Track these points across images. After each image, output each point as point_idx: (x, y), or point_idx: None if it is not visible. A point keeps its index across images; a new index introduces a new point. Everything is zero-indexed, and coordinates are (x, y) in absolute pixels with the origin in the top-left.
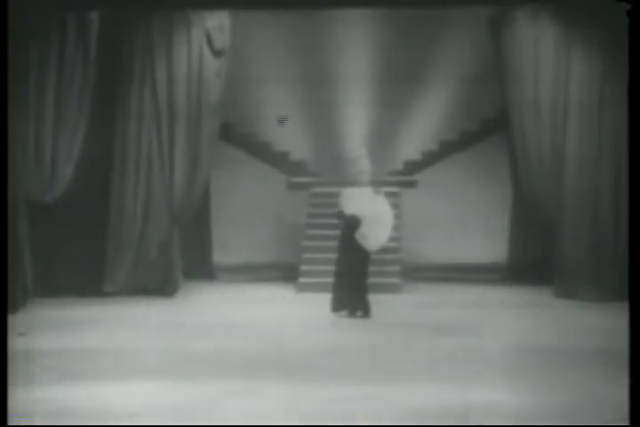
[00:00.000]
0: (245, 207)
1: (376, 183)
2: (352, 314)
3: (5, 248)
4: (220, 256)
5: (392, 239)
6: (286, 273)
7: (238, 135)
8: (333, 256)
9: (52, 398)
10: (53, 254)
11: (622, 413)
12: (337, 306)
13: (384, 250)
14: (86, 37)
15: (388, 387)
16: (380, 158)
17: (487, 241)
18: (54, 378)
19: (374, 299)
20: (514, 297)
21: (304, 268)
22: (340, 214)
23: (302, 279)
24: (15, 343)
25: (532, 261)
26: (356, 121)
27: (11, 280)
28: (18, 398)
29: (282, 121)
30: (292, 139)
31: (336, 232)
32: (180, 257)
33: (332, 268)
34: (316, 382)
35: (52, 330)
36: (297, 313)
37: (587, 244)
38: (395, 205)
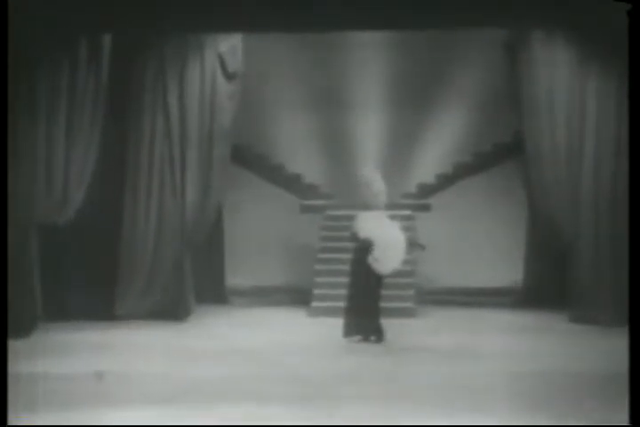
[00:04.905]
0: (258, 230)
1: (390, 206)
2: (365, 339)
3: (5, 271)
4: (232, 279)
5: (406, 263)
6: (299, 297)
7: (251, 158)
8: (346, 280)
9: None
10: (64, 277)
11: None
12: (350, 331)
13: (398, 274)
14: (98, 61)
15: (402, 413)
16: (394, 181)
17: (502, 265)
18: (60, 404)
19: (388, 323)
20: (529, 321)
21: (317, 291)
22: (354, 237)
23: (315, 303)
24: (22, 368)
25: (548, 285)
26: (369, 143)
27: (20, 304)
28: (20, 423)
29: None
30: (304, 161)
31: (349, 256)
32: (193, 280)
33: (344, 292)
34: (328, 408)
35: (61, 354)
36: (309, 338)
37: (604, 267)
38: (409, 229)
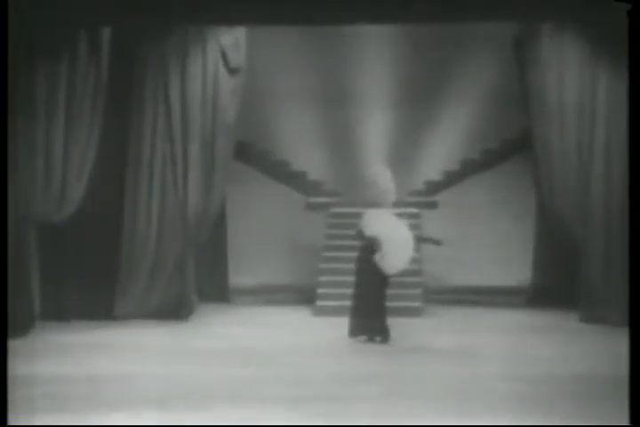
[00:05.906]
0: (262, 228)
1: (397, 204)
2: (371, 339)
3: (5, 271)
4: (235, 278)
5: (413, 261)
6: (303, 296)
7: (254, 154)
8: (352, 279)
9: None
10: (63, 277)
11: None
12: (355, 331)
13: (404, 272)
14: (98, 55)
15: (408, 414)
16: (401, 178)
17: (510, 263)
18: (58, 404)
19: (394, 323)
20: (538, 321)
21: (321, 291)
22: (361, 235)
23: (319, 302)
24: (18, 369)
25: (557, 284)
26: (375, 140)
27: (18, 304)
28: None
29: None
30: (309, 158)
31: (354, 254)
32: (195, 279)
33: (350, 291)
34: (332, 410)
35: (59, 355)
36: (314, 338)
37: (614, 266)
38: (416, 226)
